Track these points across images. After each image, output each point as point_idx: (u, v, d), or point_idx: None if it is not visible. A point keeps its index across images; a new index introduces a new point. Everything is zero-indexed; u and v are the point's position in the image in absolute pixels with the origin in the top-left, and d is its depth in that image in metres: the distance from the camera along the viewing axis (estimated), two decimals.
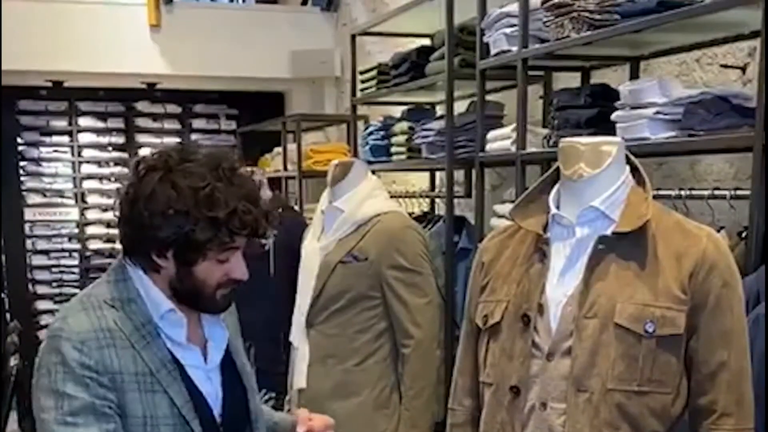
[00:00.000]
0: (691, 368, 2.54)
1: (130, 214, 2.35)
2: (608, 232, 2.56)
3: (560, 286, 2.60)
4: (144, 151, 10.37)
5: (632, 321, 2.48)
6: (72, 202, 10.55)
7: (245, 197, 2.34)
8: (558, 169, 2.70)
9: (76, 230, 10.56)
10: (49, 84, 9.79)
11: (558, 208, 2.67)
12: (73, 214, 10.55)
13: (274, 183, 7.21)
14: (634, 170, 2.67)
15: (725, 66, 3.92)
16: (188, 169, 2.31)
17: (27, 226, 10.43)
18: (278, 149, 8.56)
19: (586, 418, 2.51)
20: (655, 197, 2.73)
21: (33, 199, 10.39)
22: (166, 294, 2.42)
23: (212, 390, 2.51)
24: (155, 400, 2.35)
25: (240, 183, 2.36)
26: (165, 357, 2.40)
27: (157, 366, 2.37)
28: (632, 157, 2.69)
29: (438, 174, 6.17)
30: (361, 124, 6.98)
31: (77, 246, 10.58)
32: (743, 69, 3.86)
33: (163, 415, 2.36)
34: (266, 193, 5.49)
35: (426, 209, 6.05)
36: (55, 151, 10.48)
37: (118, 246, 10.26)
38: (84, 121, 10.51)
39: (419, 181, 6.54)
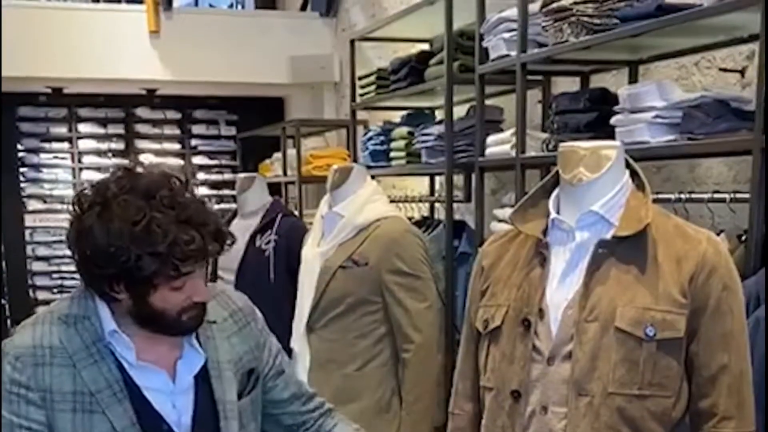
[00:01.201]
0: (691, 371, 2.54)
1: (75, 251, 2.31)
2: (608, 236, 2.56)
3: (560, 290, 2.61)
4: (144, 158, 10.45)
5: (633, 325, 2.48)
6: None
7: (186, 222, 2.25)
8: (558, 173, 2.71)
9: None
10: (49, 90, 9.81)
11: (558, 212, 2.67)
12: None
13: (274, 188, 7.21)
14: (634, 174, 2.67)
15: (724, 69, 3.93)
16: (124, 203, 2.23)
17: (27, 233, 10.43)
18: (278, 154, 8.57)
19: (587, 422, 2.52)
20: (654, 201, 2.73)
21: (33, 205, 10.39)
22: (123, 317, 2.37)
23: (176, 415, 2.45)
24: (92, 421, 2.31)
25: (180, 207, 2.28)
26: (113, 377, 2.35)
27: (98, 386, 2.32)
28: (632, 161, 2.70)
29: (437, 178, 6.18)
30: (360, 129, 6.98)
31: None
32: (742, 72, 3.87)
33: None
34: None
35: (426, 214, 6.06)
36: (55, 157, 10.49)
37: None
38: (84, 128, 10.52)
39: (419, 185, 6.54)
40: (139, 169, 2.36)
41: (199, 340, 2.51)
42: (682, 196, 3.52)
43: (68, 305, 2.42)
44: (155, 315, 2.34)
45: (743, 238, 3.27)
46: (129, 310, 2.35)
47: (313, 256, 4.46)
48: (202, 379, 2.51)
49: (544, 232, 2.68)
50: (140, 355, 2.40)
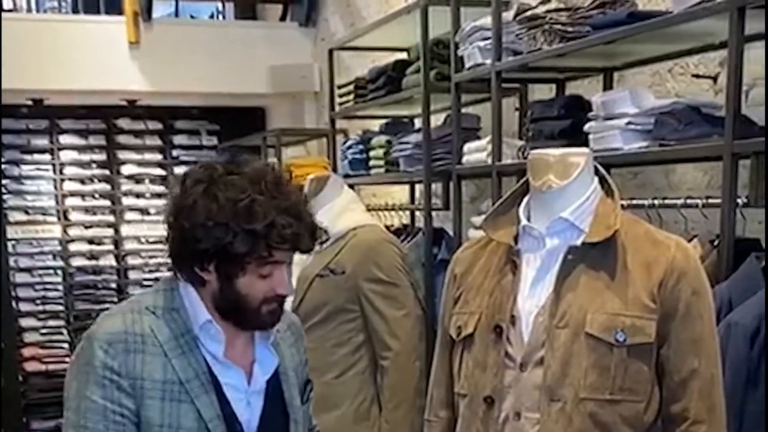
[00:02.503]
0: (662, 376, 2.56)
1: (173, 226, 2.37)
2: (578, 242, 2.59)
3: (532, 296, 2.63)
4: (126, 168, 10.43)
5: (603, 330, 2.50)
6: (55, 219, 10.50)
7: (286, 210, 2.31)
8: (528, 181, 2.73)
9: (59, 248, 10.51)
10: (30, 102, 9.77)
11: (529, 219, 2.69)
12: (56, 231, 10.49)
13: None
14: (603, 181, 2.70)
15: (697, 76, 3.96)
16: (230, 182, 2.30)
17: (10, 244, 10.40)
18: None
19: (560, 428, 2.53)
20: (629, 206, 2.77)
21: (15, 217, 10.35)
22: (209, 307, 2.42)
23: (248, 414, 2.49)
24: (180, 411, 2.35)
25: (282, 196, 2.33)
26: (200, 369, 2.39)
27: (188, 376, 2.36)
28: (600, 168, 2.72)
29: (417, 187, 6.18)
30: (340, 138, 6.99)
31: (60, 263, 10.53)
32: (715, 79, 3.89)
33: (188, 427, 2.36)
34: None
35: (406, 222, 6.07)
36: (37, 169, 10.45)
37: (101, 263, 10.47)
38: (65, 139, 10.47)
39: (399, 194, 6.55)
40: (244, 160, 2.43)
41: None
42: (656, 201, 3.54)
43: (153, 297, 2.46)
44: (238, 301, 2.38)
45: (716, 243, 3.29)
46: (214, 295, 2.40)
47: None
48: (274, 383, 2.56)
49: (516, 239, 2.70)
50: (227, 354, 2.45)
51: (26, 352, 10.23)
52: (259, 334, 2.53)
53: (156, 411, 2.33)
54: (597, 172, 2.70)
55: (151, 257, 10.72)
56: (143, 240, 10.71)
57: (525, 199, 2.74)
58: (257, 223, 2.26)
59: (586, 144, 3.61)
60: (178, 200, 2.35)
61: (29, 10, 11.61)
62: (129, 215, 10.69)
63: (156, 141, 10.77)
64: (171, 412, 2.34)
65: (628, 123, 3.49)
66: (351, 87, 6.18)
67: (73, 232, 10.56)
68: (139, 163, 10.70)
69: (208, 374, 2.40)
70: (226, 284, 2.37)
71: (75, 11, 11.42)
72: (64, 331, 10.53)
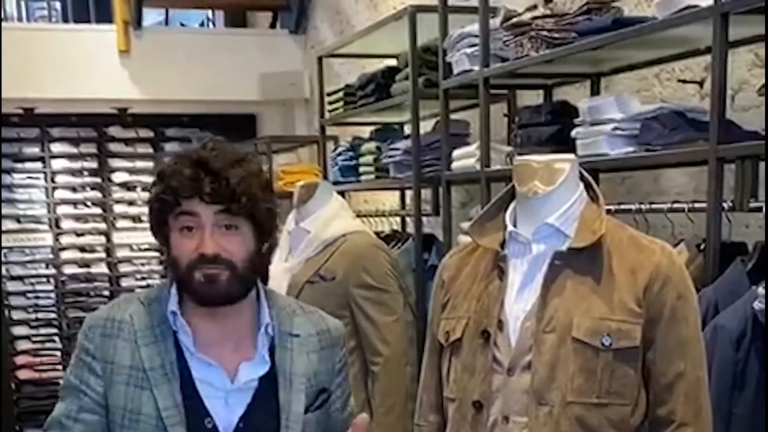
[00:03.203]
0: (649, 380, 2.57)
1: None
2: (563, 248, 2.60)
3: (519, 302, 2.64)
4: (117, 176, 10.44)
5: (589, 335, 2.52)
6: (46, 227, 10.51)
7: (199, 162, 2.32)
8: (514, 186, 2.75)
9: (51, 256, 10.52)
10: (21, 111, 9.77)
11: (515, 225, 2.71)
12: (48, 239, 10.51)
13: None
14: (588, 187, 2.72)
15: (683, 81, 3.99)
16: (180, 155, 2.38)
17: (2, 253, 10.39)
18: None
19: (548, 431, 2.55)
20: (616, 211, 2.79)
21: (7, 225, 10.34)
22: (184, 298, 2.44)
23: (225, 413, 2.45)
24: (141, 397, 2.37)
25: (210, 152, 2.34)
26: (168, 358, 2.40)
27: (153, 364, 2.38)
28: (586, 174, 2.73)
29: (408, 193, 6.20)
30: (330, 145, 7.02)
31: (52, 271, 10.54)
32: (701, 84, 3.93)
33: (146, 414, 2.37)
34: None
35: (397, 228, 6.09)
36: (29, 177, 10.45)
37: (93, 270, 10.44)
38: (56, 147, 10.48)
39: (390, 200, 6.58)
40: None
41: (274, 350, 2.52)
42: (643, 206, 3.56)
43: (150, 290, 2.54)
44: (174, 268, 2.40)
45: (702, 247, 3.32)
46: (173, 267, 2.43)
47: (280, 272, 4.47)
48: (268, 385, 2.51)
49: (502, 245, 2.72)
50: (204, 349, 2.44)
51: (19, 360, 10.23)
52: (262, 333, 2.51)
53: (120, 395, 2.38)
54: (582, 178, 2.72)
55: (143, 264, 10.75)
56: (135, 248, 10.72)
57: (511, 205, 2.75)
58: (167, 169, 2.33)
59: (573, 149, 3.63)
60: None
61: (20, 18, 11.62)
62: (120, 223, 10.71)
63: (147, 149, 10.78)
64: (133, 397, 2.37)
65: (615, 128, 3.52)
66: (341, 94, 6.20)
67: (64, 240, 10.57)
68: (131, 171, 10.70)
69: (175, 365, 2.41)
70: (167, 251, 2.42)
71: (65, 20, 11.44)
72: (57, 339, 10.54)
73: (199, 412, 2.42)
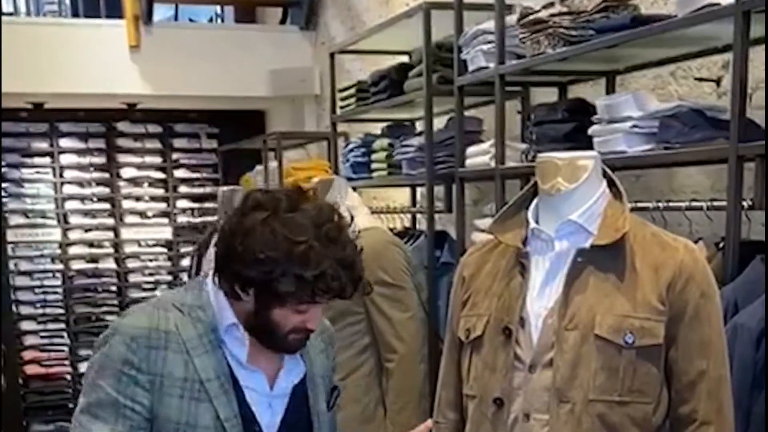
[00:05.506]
0: (671, 378, 2.58)
1: (226, 244, 2.35)
2: (587, 245, 2.60)
3: (540, 299, 2.64)
4: (126, 172, 10.43)
5: (612, 332, 2.52)
6: (54, 222, 10.50)
7: (340, 261, 2.30)
8: (536, 183, 2.74)
9: (59, 251, 10.52)
10: (30, 106, 9.77)
11: (537, 222, 2.71)
12: (56, 234, 10.50)
13: None
14: (611, 184, 2.71)
15: (700, 79, 3.97)
16: (292, 220, 2.29)
17: (9, 248, 10.39)
18: (259, 167, 8.57)
19: (569, 429, 2.55)
20: (633, 210, 2.77)
21: (15, 220, 10.35)
22: (236, 312, 2.42)
23: (269, 417, 2.50)
24: (199, 410, 2.36)
25: (339, 245, 2.32)
26: (221, 369, 2.40)
27: (208, 375, 2.38)
28: (609, 171, 2.73)
29: (419, 190, 6.19)
30: (341, 141, 7.00)
31: (60, 266, 10.53)
32: (718, 82, 3.91)
33: (204, 426, 2.37)
34: None
35: (408, 225, 6.09)
36: (37, 172, 10.44)
37: (101, 266, 10.45)
38: (65, 142, 10.47)
39: (400, 197, 6.57)
40: (310, 193, 2.44)
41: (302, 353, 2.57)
42: (660, 204, 3.55)
43: (182, 295, 2.49)
44: (268, 326, 2.39)
45: (721, 245, 3.31)
46: (246, 313, 2.40)
47: None
48: (300, 388, 2.57)
49: (524, 242, 2.72)
50: (250, 358, 2.45)
51: (26, 355, 10.24)
52: None
53: (174, 408, 2.35)
54: (605, 174, 2.72)
55: (150, 260, 10.75)
56: (143, 243, 10.72)
57: (533, 202, 2.75)
58: (308, 270, 2.26)
59: (590, 147, 3.62)
60: (236, 219, 2.35)
61: (29, 13, 11.60)
62: (129, 218, 10.70)
63: (156, 144, 10.77)
64: (189, 410, 2.36)
65: (633, 126, 3.51)
66: (353, 90, 6.18)
67: (72, 235, 10.57)
68: (139, 167, 10.70)
69: (229, 375, 2.42)
70: (261, 310, 2.37)
71: (75, 15, 11.42)
72: (64, 334, 10.54)
73: (250, 420, 2.46)
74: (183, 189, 10.83)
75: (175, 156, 10.79)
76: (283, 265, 2.25)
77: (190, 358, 2.37)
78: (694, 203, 3.45)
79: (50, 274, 10.54)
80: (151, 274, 10.75)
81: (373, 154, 5.95)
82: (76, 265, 10.59)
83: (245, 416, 2.44)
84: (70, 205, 10.54)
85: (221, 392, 2.39)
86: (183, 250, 10.66)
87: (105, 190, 10.64)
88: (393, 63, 5.86)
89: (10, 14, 10.51)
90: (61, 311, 10.54)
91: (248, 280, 2.32)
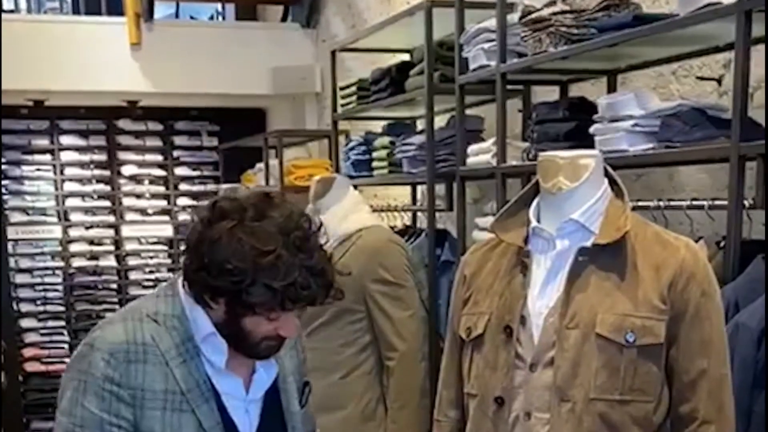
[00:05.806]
0: (671, 377, 2.58)
1: (193, 252, 2.32)
2: (588, 243, 2.60)
3: (542, 297, 2.65)
4: (126, 169, 10.43)
5: (613, 331, 2.52)
6: (55, 220, 10.48)
7: (309, 269, 2.27)
8: (537, 182, 2.74)
9: (59, 248, 10.50)
10: (30, 103, 9.76)
11: (538, 221, 2.71)
12: (56, 232, 10.48)
13: None
14: (613, 183, 2.71)
15: (701, 78, 3.97)
16: (258, 229, 2.25)
17: (10, 245, 10.38)
18: (260, 165, 8.57)
19: (570, 428, 2.55)
20: (634, 209, 2.78)
21: (16, 217, 10.34)
22: (211, 320, 2.39)
23: (247, 422, 2.49)
24: (181, 420, 2.35)
25: (307, 253, 2.28)
26: (200, 378, 2.39)
27: (189, 385, 2.36)
28: (610, 170, 2.73)
29: (420, 188, 6.18)
30: (342, 139, 7.00)
31: (60, 264, 10.52)
32: (719, 81, 3.91)
33: None
34: None
35: (408, 223, 6.08)
36: (38, 169, 10.43)
37: (101, 263, 10.45)
38: (66, 140, 10.45)
39: (401, 195, 6.57)
40: (278, 200, 2.38)
41: None
42: (661, 203, 3.55)
43: (155, 303, 2.45)
44: (240, 334, 2.37)
45: (721, 244, 3.31)
46: (218, 321, 2.37)
47: None
48: (272, 390, 2.57)
49: (525, 241, 2.72)
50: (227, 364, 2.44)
51: (26, 352, 10.22)
52: None
53: (157, 421, 2.33)
54: (606, 173, 2.72)
55: (151, 258, 10.73)
56: (143, 241, 10.70)
57: (535, 201, 2.75)
58: (277, 280, 2.23)
59: (591, 146, 3.62)
60: (202, 229, 2.32)
61: (30, 10, 11.61)
62: (129, 216, 10.68)
63: (156, 142, 10.75)
64: (172, 422, 2.34)
65: (634, 125, 3.50)
66: (354, 89, 6.17)
67: (73, 232, 10.55)
68: (140, 164, 10.68)
69: (208, 383, 2.40)
70: (232, 318, 2.35)
71: (76, 12, 11.42)
72: (65, 332, 10.51)
73: (230, 426, 2.45)
74: (183, 187, 10.82)
75: (175, 153, 10.78)
76: (252, 275, 2.22)
77: (170, 369, 2.35)
78: (695, 202, 3.45)
79: (51, 272, 10.52)
80: (151, 272, 10.72)
81: (374, 152, 5.94)
82: (77, 262, 10.57)
83: (226, 423, 2.43)
84: (70, 202, 10.52)
85: (202, 401, 2.38)
86: (183, 247, 10.58)
87: (106, 188, 10.62)
88: (394, 61, 5.86)
89: (11, 11, 10.52)
90: (62, 308, 10.52)
91: (217, 290, 2.29)
